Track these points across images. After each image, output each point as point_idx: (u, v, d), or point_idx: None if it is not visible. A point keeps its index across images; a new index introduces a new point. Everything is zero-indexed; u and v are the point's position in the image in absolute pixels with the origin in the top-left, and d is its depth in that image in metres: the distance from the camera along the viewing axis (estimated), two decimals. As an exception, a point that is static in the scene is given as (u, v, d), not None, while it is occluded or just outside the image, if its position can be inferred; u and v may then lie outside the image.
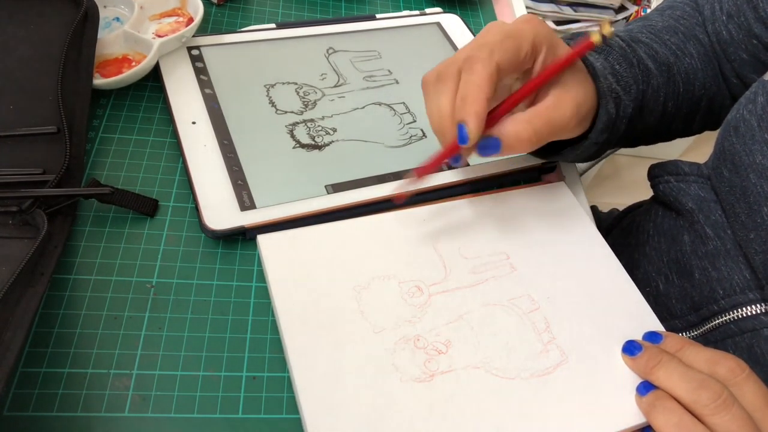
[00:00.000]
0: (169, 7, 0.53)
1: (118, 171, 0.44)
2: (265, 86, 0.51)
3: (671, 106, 0.50)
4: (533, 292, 0.41)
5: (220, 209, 0.41)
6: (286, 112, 0.49)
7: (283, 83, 0.51)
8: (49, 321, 0.36)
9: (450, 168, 0.47)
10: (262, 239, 0.40)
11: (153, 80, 0.49)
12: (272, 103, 0.49)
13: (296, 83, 0.51)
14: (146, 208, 0.41)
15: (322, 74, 0.53)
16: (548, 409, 0.36)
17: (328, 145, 0.47)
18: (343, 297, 0.38)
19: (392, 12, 0.62)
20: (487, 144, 0.38)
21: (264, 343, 0.38)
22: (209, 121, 0.46)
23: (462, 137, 0.36)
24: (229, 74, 0.51)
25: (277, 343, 0.38)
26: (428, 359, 0.37)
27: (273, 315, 0.39)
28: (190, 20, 0.52)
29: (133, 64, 0.49)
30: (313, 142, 0.47)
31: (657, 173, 0.52)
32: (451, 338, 0.38)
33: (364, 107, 0.51)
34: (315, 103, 0.50)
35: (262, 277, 0.40)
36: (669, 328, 0.48)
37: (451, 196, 0.46)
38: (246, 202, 0.42)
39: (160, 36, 0.50)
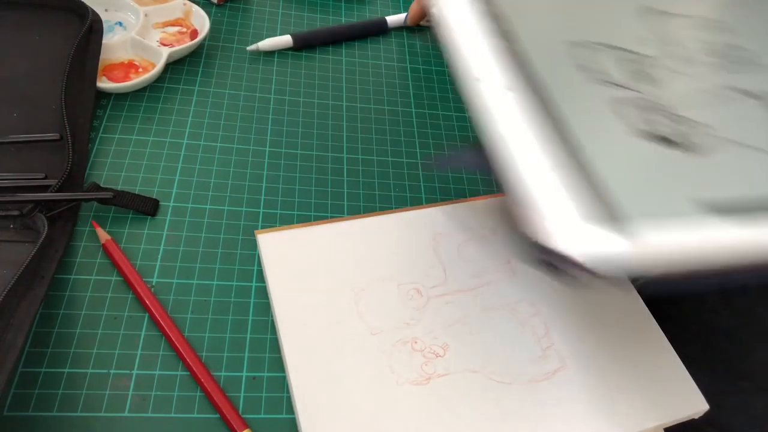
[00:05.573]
0: (173, 17, 0.54)
1: (118, 171, 0.44)
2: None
3: None
4: (533, 296, 0.41)
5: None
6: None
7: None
8: (49, 321, 0.36)
9: None
10: (262, 238, 0.40)
11: (154, 81, 0.49)
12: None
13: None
14: (147, 207, 0.42)
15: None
16: (546, 415, 0.36)
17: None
18: (341, 298, 0.39)
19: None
20: None
21: (264, 343, 0.38)
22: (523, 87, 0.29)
23: None
24: None
25: (277, 343, 0.38)
26: (425, 362, 0.37)
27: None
28: (194, 32, 0.53)
29: (140, 70, 0.49)
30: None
31: None
32: (449, 341, 0.38)
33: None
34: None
35: (262, 277, 0.41)
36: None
37: (452, 199, 0.46)
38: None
39: (164, 45, 0.51)
